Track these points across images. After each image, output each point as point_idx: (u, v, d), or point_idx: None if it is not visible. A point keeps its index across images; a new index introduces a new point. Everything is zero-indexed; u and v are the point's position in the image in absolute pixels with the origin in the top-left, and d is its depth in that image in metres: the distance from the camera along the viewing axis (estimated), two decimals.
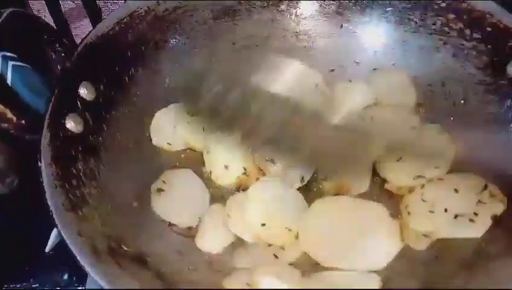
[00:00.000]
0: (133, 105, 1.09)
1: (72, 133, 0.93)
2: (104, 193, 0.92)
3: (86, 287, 0.95)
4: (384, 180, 1.00)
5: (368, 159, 0.98)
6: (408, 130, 1.00)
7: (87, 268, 0.72)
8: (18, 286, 1.01)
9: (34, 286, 1.01)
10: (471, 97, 1.02)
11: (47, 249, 1.04)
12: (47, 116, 0.90)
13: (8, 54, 0.99)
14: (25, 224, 1.07)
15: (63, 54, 1.00)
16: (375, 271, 0.82)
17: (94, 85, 1.01)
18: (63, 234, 0.74)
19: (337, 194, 0.97)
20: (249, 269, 0.87)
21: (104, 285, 0.70)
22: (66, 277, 1.01)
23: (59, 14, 1.40)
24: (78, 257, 0.73)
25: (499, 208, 0.82)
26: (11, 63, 0.99)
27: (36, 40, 1.11)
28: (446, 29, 1.06)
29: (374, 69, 1.16)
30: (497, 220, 0.81)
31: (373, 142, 1.01)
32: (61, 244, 0.78)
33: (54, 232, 1.06)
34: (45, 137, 0.87)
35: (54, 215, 0.77)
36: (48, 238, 1.05)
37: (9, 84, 1.00)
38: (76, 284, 1.02)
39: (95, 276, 0.71)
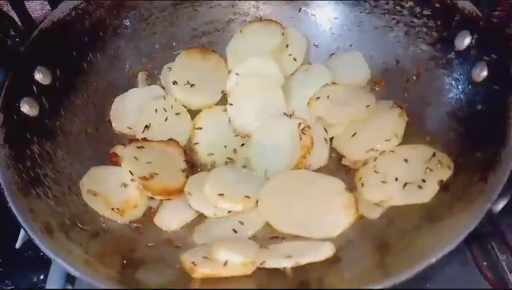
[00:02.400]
0: (92, 90, 1.09)
1: (27, 116, 0.93)
2: (61, 174, 0.92)
3: (46, 287, 0.94)
4: (341, 156, 1.02)
5: None
6: (363, 107, 1.02)
7: (37, 242, 0.71)
8: None
9: (9, 288, 1.00)
10: (424, 73, 1.05)
11: (17, 246, 1.03)
12: (0, 100, 0.89)
13: None
14: None
15: (17, 39, 0.99)
16: (329, 239, 0.84)
17: (50, 70, 1.01)
18: (14, 211, 0.74)
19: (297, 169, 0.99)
20: (207, 244, 0.87)
21: (55, 260, 0.70)
22: (42, 277, 1.00)
23: None
24: (28, 232, 0.72)
25: (445, 173, 0.85)
26: None
27: None
28: (398, 8, 1.09)
29: (331, 54, 1.18)
30: (445, 186, 0.84)
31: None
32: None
33: None
34: None
35: (6, 193, 0.77)
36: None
37: None
38: None
39: (45, 251, 0.71)
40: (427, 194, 0.83)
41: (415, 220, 0.81)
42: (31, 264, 1.01)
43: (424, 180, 0.85)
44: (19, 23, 1.05)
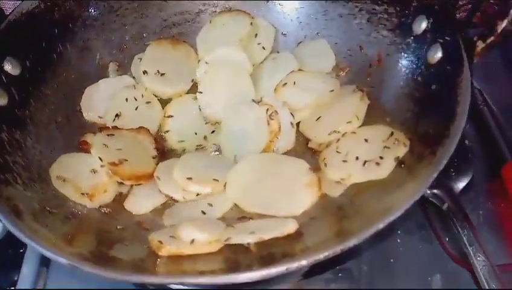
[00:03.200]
0: (62, 81, 1.11)
1: None
2: (31, 162, 0.93)
3: (17, 287, 0.95)
4: (308, 139, 1.06)
5: None
6: (327, 92, 1.05)
7: (6, 224, 0.73)
8: None
9: None
10: (385, 58, 1.09)
11: None
12: None
13: None
14: None
15: None
16: (293, 217, 0.87)
17: (19, 61, 1.02)
18: None
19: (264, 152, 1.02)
20: (176, 225, 0.90)
21: (25, 240, 0.72)
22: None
23: None
24: None
25: (402, 150, 0.89)
26: None
27: None
28: None
29: (299, 42, 1.21)
30: (400, 162, 0.88)
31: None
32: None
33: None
34: None
35: None
36: None
37: None
38: None
39: (11, 229, 0.73)
40: (384, 170, 0.87)
41: (374, 195, 0.84)
42: (11, 263, 1.02)
43: (381, 157, 0.88)
44: None
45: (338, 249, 0.66)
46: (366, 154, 0.91)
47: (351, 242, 0.67)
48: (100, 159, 0.95)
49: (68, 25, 1.13)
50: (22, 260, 0.99)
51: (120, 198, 0.98)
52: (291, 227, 0.83)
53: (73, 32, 1.14)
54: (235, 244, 0.80)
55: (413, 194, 0.72)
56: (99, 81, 1.14)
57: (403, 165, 0.86)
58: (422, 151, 0.82)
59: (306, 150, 1.05)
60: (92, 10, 1.17)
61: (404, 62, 1.03)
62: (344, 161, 0.93)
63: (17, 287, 0.97)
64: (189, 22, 1.26)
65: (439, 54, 0.93)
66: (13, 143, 0.92)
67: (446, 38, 0.93)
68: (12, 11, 1.04)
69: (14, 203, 0.79)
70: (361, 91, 1.03)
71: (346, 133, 0.98)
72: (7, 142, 0.91)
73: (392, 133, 0.92)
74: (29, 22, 1.05)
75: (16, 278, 1.00)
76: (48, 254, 0.71)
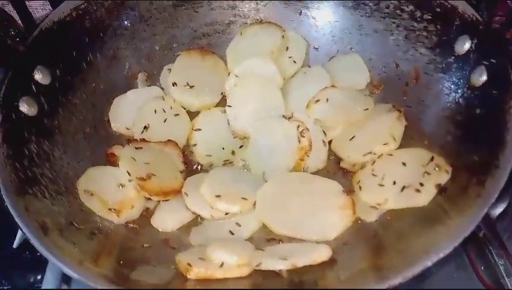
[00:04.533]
0: (91, 90, 1.10)
1: (25, 115, 0.93)
2: (58, 174, 0.92)
3: (42, 287, 0.94)
4: (339, 159, 1.02)
5: None
6: (362, 111, 1.02)
7: (32, 241, 0.71)
8: None
9: (5, 288, 0.99)
10: (423, 76, 1.05)
11: (15, 245, 1.02)
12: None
13: None
14: None
15: (17, 39, 0.99)
16: (325, 242, 0.83)
17: (50, 70, 1.01)
18: (10, 209, 0.74)
19: (295, 171, 0.99)
20: (203, 245, 0.87)
21: (50, 259, 0.70)
22: (39, 277, 0.99)
23: None
24: (23, 231, 0.72)
25: (443, 177, 0.85)
26: None
27: None
28: (398, 11, 1.09)
29: (331, 57, 1.18)
30: (442, 189, 0.83)
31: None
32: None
33: None
34: None
35: (2, 192, 0.77)
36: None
37: None
38: None
39: (37, 247, 0.71)
40: (425, 198, 0.83)
41: (412, 224, 0.80)
42: (28, 265, 1.00)
43: (421, 184, 0.84)
44: (20, 22, 1.04)
45: (379, 287, 0.62)
46: (404, 179, 0.87)
47: (395, 280, 0.63)
48: (128, 173, 0.93)
49: (99, 33, 1.11)
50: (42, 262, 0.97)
51: (147, 213, 0.96)
52: (324, 254, 0.80)
53: (103, 41, 1.13)
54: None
55: (462, 229, 0.68)
56: (128, 91, 1.12)
57: (444, 194, 0.81)
58: (466, 180, 0.77)
59: (337, 169, 1.02)
60: (123, 19, 1.15)
61: (445, 82, 0.99)
62: (380, 185, 0.89)
63: None
64: (219, 33, 1.24)
65: (484, 77, 0.89)
66: (41, 154, 0.91)
67: (492, 60, 0.88)
68: (44, 19, 1.03)
69: (42, 219, 0.77)
70: (399, 111, 0.99)
71: (382, 155, 0.94)
72: (35, 153, 0.89)
73: (432, 158, 0.88)
74: (60, 31, 1.04)
75: (32, 280, 0.98)
76: (73, 275, 0.69)
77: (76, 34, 1.07)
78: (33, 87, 0.96)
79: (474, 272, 0.99)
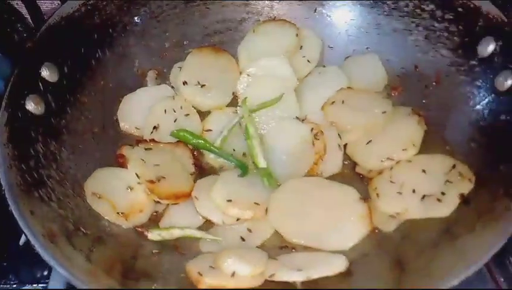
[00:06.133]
0: (99, 88, 1.07)
1: (32, 114, 0.90)
2: (65, 175, 0.89)
3: (49, 286, 0.92)
4: (355, 163, 0.99)
5: None
6: (379, 114, 0.98)
7: (38, 249, 0.69)
8: None
9: (13, 282, 0.97)
10: (443, 79, 1.01)
11: (21, 242, 1.01)
12: (5, 97, 0.87)
13: None
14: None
15: (24, 35, 0.96)
16: (341, 252, 0.80)
17: (58, 67, 0.98)
18: (14, 213, 0.71)
19: (309, 176, 0.95)
20: (214, 252, 0.84)
21: (54, 266, 0.67)
22: (45, 272, 0.97)
23: None
24: (29, 237, 0.70)
25: (466, 187, 0.81)
26: None
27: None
28: (418, 11, 1.05)
29: (347, 57, 1.14)
30: (465, 199, 0.80)
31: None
32: None
33: None
34: (2, 117, 0.85)
35: (6, 195, 0.74)
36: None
37: None
38: None
39: (44, 257, 0.68)
40: (447, 208, 0.80)
41: (433, 236, 0.77)
42: (35, 260, 0.97)
43: (443, 193, 0.81)
44: (28, 18, 1.01)
45: None
46: (424, 187, 0.84)
47: None
48: (137, 175, 0.90)
49: (108, 30, 1.08)
50: None
51: (156, 217, 0.93)
52: (340, 265, 0.77)
53: (112, 37, 1.09)
54: None
55: (492, 244, 0.64)
56: (137, 90, 1.09)
57: (467, 204, 0.78)
58: (493, 191, 0.74)
59: (353, 175, 0.98)
60: (133, 15, 1.12)
61: (467, 86, 0.95)
62: (399, 193, 0.85)
63: None
64: (231, 30, 1.20)
65: (510, 82, 0.85)
66: (48, 155, 0.88)
67: None
68: (52, 14, 1.00)
69: (48, 225, 0.74)
70: (418, 115, 0.95)
71: (400, 161, 0.90)
72: (42, 154, 0.86)
73: (454, 166, 0.84)
74: (69, 27, 1.01)
75: (38, 276, 0.96)
76: (81, 284, 0.66)
77: (85, 30, 1.04)
78: (40, 84, 0.93)
79: (494, 283, 0.95)
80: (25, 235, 0.70)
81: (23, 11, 1.19)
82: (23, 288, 0.95)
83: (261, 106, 1.04)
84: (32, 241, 0.70)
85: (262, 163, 0.97)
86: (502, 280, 0.96)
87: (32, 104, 0.90)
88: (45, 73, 0.94)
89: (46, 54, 0.96)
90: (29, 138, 0.86)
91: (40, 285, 0.94)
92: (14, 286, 0.95)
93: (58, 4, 1.16)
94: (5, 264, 0.98)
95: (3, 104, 0.85)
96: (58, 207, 0.81)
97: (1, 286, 0.95)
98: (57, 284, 0.89)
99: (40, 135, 0.89)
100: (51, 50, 0.97)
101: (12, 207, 0.73)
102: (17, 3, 1.23)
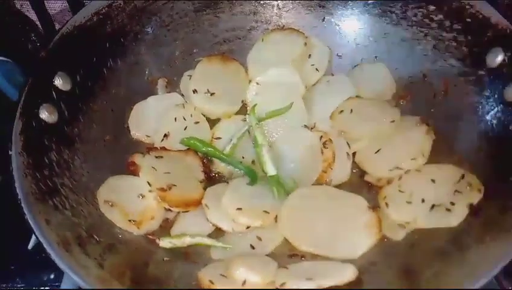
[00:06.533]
0: (111, 97, 1.08)
1: (45, 123, 0.92)
2: (78, 183, 0.90)
3: (61, 287, 0.93)
4: (364, 172, 0.99)
5: None
6: (388, 123, 0.99)
7: (53, 257, 0.70)
8: (3, 285, 0.99)
9: (20, 285, 0.99)
10: (452, 88, 1.01)
11: (29, 246, 1.02)
12: (19, 106, 0.88)
13: None
14: (9, 222, 1.04)
15: (38, 44, 0.97)
16: (350, 261, 0.81)
17: (70, 76, 1.00)
18: (30, 222, 0.72)
19: (318, 184, 0.96)
20: (225, 260, 0.85)
21: (69, 274, 0.68)
22: (52, 276, 0.99)
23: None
24: (44, 246, 0.71)
25: (475, 197, 0.82)
26: None
27: (14, 30, 1.09)
28: (427, 20, 1.06)
29: (355, 66, 1.15)
30: (474, 210, 0.80)
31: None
32: None
33: None
34: (17, 126, 0.86)
35: (22, 204, 0.75)
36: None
37: None
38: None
39: (60, 265, 0.69)
40: (456, 218, 0.80)
41: (442, 246, 0.78)
42: (42, 264, 0.99)
43: (452, 203, 0.81)
44: (40, 27, 1.03)
45: None
46: (433, 197, 0.84)
47: None
48: (149, 183, 0.91)
49: (120, 39, 1.10)
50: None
51: (167, 224, 0.94)
52: (350, 275, 0.78)
53: (124, 46, 1.11)
54: None
55: (501, 257, 0.64)
56: (148, 98, 1.10)
57: (477, 215, 0.78)
58: (502, 203, 0.74)
59: (362, 183, 0.98)
60: (144, 24, 1.13)
61: (476, 96, 0.95)
62: (408, 202, 0.86)
63: None
64: (240, 38, 1.21)
65: None
66: (61, 163, 0.89)
67: None
68: (65, 24, 1.01)
69: (63, 233, 0.75)
70: (427, 125, 0.95)
71: (409, 170, 0.91)
72: (55, 162, 0.88)
73: (463, 176, 0.85)
74: (81, 36, 1.02)
75: (45, 279, 0.98)
76: None
77: (97, 40, 1.06)
78: (53, 93, 0.94)
79: None
80: (41, 243, 0.71)
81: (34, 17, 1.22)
82: None
83: (270, 114, 1.04)
84: (48, 249, 0.71)
85: (271, 171, 0.98)
86: (510, 288, 0.96)
87: (46, 113, 0.91)
88: (58, 82, 0.96)
89: (59, 63, 0.97)
90: (43, 146, 0.88)
91: (47, 288, 0.96)
92: (22, 289, 0.96)
93: (66, 6, 1.17)
94: (12, 267, 1.00)
95: (18, 113, 0.87)
96: (72, 215, 0.82)
97: (8, 289, 0.95)
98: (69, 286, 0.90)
99: (54, 143, 0.90)
100: (64, 59, 0.98)
101: (28, 216, 0.74)
102: (27, 10, 1.25)
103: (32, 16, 1.16)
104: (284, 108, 1.04)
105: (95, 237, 0.81)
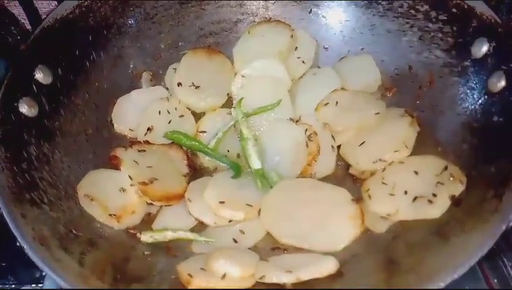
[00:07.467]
0: (94, 90, 1.07)
1: (25, 116, 0.90)
2: (58, 177, 0.89)
3: (43, 287, 0.92)
4: (348, 164, 0.98)
5: None
6: (372, 115, 0.98)
7: (27, 251, 0.69)
8: None
9: (11, 282, 0.98)
10: (437, 80, 1.01)
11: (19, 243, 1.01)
12: None
13: None
14: None
15: (18, 37, 0.96)
16: (333, 253, 0.80)
17: (51, 69, 0.99)
18: (5, 216, 0.71)
19: (302, 177, 0.95)
20: (206, 253, 0.84)
21: (43, 269, 0.67)
22: (44, 273, 0.97)
23: None
24: (19, 240, 0.70)
25: (458, 188, 0.81)
26: None
27: None
28: (412, 11, 1.05)
29: (342, 58, 1.14)
30: (456, 201, 0.79)
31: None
32: None
33: None
34: None
35: None
36: None
37: None
38: None
39: (34, 259, 0.68)
40: (438, 209, 0.79)
41: (424, 237, 0.77)
42: (33, 261, 0.98)
43: (434, 195, 0.80)
44: (25, 20, 1.01)
45: None
46: (416, 188, 0.84)
47: None
48: (130, 177, 0.90)
49: (102, 31, 1.09)
50: None
51: (148, 219, 0.93)
52: (330, 267, 0.77)
53: (107, 39, 1.10)
54: None
55: (480, 246, 0.63)
56: (132, 92, 1.09)
57: (458, 206, 0.77)
58: (483, 192, 0.73)
59: (346, 176, 0.98)
60: (128, 17, 1.12)
61: (460, 87, 0.95)
62: (391, 195, 0.85)
63: None
64: (226, 31, 1.20)
65: (503, 83, 0.85)
66: (41, 157, 0.88)
67: (511, 65, 0.84)
68: (46, 17, 1.00)
69: (40, 228, 0.74)
70: (411, 116, 0.94)
71: (393, 162, 0.90)
72: (35, 156, 0.87)
73: (446, 167, 0.84)
74: (63, 29, 1.01)
75: (37, 276, 0.97)
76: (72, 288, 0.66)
77: (80, 32, 1.05)
78: (34, 87, 0.93)
79: (487, 284, 0.95)
80: (17, 240, 0.70)
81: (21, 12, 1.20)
82: (21, 288, 0.96)
83: (257, 110, 1.03)
84: (22, 243, 0.70)
85: (256, 164, 0.97)
86: (495, 280, 0.96)
87: (26, 107, 0.90)
88: (39, 75, 0.95)
89: (40, 56, 0.96)
90: (22, 140, 0.87)
91: (38, 285, 0.95)
92: (13, 286, 0.96)
93: (56, 5, 1.16)
94: (3, 264, 0.99)
95: None
96: (50, 210, 0.81)
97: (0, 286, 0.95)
98: (52, 285, 0.89)
99: (33, 137, 0.89)
100: (45, 52, 0.97)
101: (3, 210, 0.73)
102: (14, 4, 1.24)
103: (14, 10, 1.15)
104: (271, 105, 1.03)
105: (74, 231, 0.81)
